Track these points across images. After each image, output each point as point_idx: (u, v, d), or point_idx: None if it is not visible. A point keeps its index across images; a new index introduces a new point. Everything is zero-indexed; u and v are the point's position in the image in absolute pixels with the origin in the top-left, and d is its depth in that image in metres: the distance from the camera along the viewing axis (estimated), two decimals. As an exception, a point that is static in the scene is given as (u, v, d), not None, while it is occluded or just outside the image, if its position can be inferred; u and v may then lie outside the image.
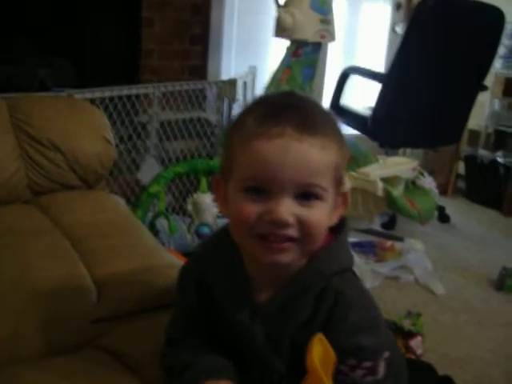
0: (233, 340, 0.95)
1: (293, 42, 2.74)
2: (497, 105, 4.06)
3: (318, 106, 0.89)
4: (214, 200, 0.91)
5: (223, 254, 0.94)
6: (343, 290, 0.88)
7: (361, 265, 2.56)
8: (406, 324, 2.06)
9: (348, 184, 2.58)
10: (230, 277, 0.93)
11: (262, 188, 0.81)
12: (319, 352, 0.81)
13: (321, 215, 0.84)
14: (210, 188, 2.53)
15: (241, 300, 0.92)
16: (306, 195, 0.82)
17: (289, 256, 0.84)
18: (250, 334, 0.91)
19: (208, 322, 0.96)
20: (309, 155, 0.81)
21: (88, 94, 2.32)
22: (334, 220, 0.90)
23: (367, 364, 0.89)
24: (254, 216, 0.81)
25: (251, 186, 0.82)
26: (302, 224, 0.82)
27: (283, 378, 0.93)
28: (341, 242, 0.92)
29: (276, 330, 0.90)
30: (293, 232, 0.82)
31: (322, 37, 2.75)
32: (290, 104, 0.85)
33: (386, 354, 0.91)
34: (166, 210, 2.54)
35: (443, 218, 3.44)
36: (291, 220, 0.81)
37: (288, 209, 0.81)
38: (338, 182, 0.87)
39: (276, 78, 2.75)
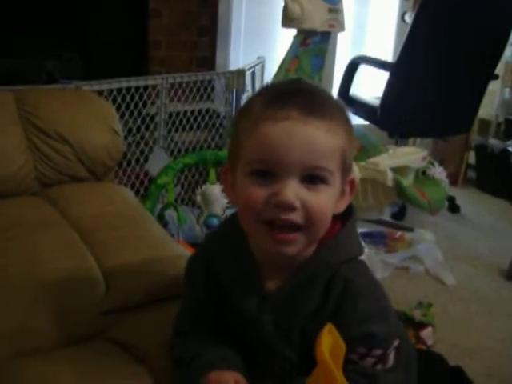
0: (242, 330, 0.94)
1: (300, 31, 2.72)
2: (507, 93, 4.01)
3: (326, 92, 0.89)
4: (223, 191, 0.91)
5: (231, 242, 0.93)
6: (352, 278, 0.88)
7: (371, 255, 2.54)
8: (417, 314, 2.05)
9: (358, 174, 2.56)
10: (237, 265, 0.92)
11: (269, 171, 0.82)
12: (329, 343, 0.80)
13: (326, 200, 0.84)
14: (219, 179, 2.53)
15: (249, 288, 0.92)
16: (312, 178, 0.82)
17: (295, 248, 0.84)
18: (259, 323, 0.91)
19: (216, 312, 0.96)
20: (314, 138, 0.81)
21: (96, 85, 2.31)
22: (341, 208, 0.90)
23: (377, 352, 0.89)
24: (262, 200, 0.82)
25: (258, 170, 0.82)
26: (306, 209, 0.82)
27: (294, 368, 0.93)
28: (349, 230, 0.91)
29: (285, 319, 0.90)
30: (297, 217, 0.82)
31: (331, 26, 2.74)
32: (297, 88, 0.85)
33: (396, 343, 0.91)
34: (175, 201, 2.54)
35: (453, 208, 3.42)
36: (297, 203, 0.81)
37: (294, 191, 0.81)
38: (346, 168, 0.86)
39: (284, 68, 2.74)
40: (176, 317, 1.02)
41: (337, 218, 0.90)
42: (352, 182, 0.90)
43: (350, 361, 0.86)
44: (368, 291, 0.89)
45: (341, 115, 0.86)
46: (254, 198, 0.82)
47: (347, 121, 0.87)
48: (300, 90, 0.85)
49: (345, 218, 0.92)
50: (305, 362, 0.88)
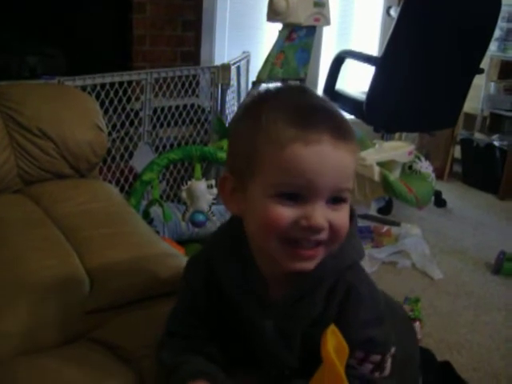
0: (242, 334, 0.94)
1: (286, 25, 2.70)
2: (492, 88, 4.03)
3: (334, 105, 0.87)
4: (223, 202, 0.87)
5: (233, 249, 0.92)
6: (355, 284, 0.88)
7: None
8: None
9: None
10: (240, 272, 0.91)
11: (298, 194, 0.80)
12: (333, 343, 0.80)
13: (346, 217, 0.84)
14: (205, 175, 2.51)
15: (252, 295, 0.91)
16: (336, 199, 0.82)
17: (315, 262, 0.84)
18: (260, 330, 0.91)
19: (215, 316, 0.95)
20: (344, 162, 0.81)
21: (79, 81, 2.29)
22: None
23: (375, 358, 0.89)
24: (289, 221, 0.80)
25: (286, 192, 0.80)
26: (332, 228, 0.82)
27: (293, 373, 0.93)
28: (351, 234, 0.89)
29: (288, 325, 0.90)
30: (324, 236, 0.82)
31: (316, 20, 2.72)
32: (316, 105, 0.83)
33: (393, 350, 0.91)
34: (161, 197, 2.52)
35: (440, 202, 3.43)
36: (326, 225, 0.81)
37: (323, 214, 0.80)
38: None
39: (269, 62, 2.72)
40: (169, 315, 1.00)
41: None
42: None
43: (348, 366, 0.86)
44: (370, 297, 0.89)
45: (354, 132, 0.85)
46: (280, 219, 0.80)
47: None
48: (321, 107, 0.83)
49: None
50: (305, 366, 0.87)
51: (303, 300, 0.88)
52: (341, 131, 0.81)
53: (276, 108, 0.82)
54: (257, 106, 0.85)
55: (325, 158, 0.79)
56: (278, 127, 0.80)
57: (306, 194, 0.79)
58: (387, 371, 0.91)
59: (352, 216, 0.90)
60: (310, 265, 0.83)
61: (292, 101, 0.84)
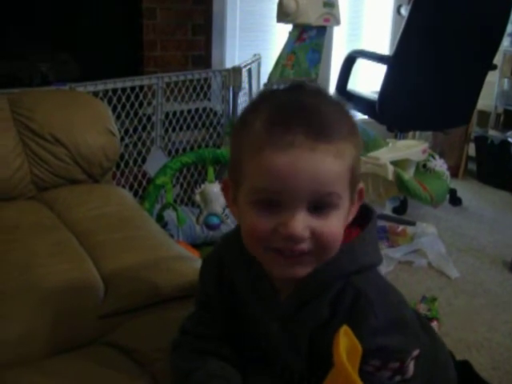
0: (254, 336, 0.92)
1: (296, 26, 2.70)
2: (506, 84, 3.99)
3: (330, 101, 0.82)
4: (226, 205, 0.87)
5: (242, 251, 0.89)
6: (364, 289, 0.83)
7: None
8: (422, 309, 2.03)
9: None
10: (248, 272, 0.89)
11: (275, 200, 0.77)
12: (345, 344, 0.77)
13: (336, 225, 0.79)
14: (218, 178, 2.51)
15: (259, 295, 0.89)
16: (321, 205, 0.77)
17: (305, 269, 0.80)
18: (269, 332, 0.89)
19: (229, 316, 0.94)
20: (322, 165, 0.75)
21: (90, 86, 2.29)
22: (351, 218, 0.85)
23: (394, 365, 0.84)
24: (269, 230, 0.77)
25: (262, 198, 0.77)
26: (316, 237, 0.77)
27: (304, 376, 0.91)
28: (366, 237, 0.86)
29: (294, 328, 0.87)
30: (307, 246, 0.78)
31: (326, 20, 2.71)
32: (299, 104, 0.78)
33: (415, 353, 0.87)
34: (175, 201, 2.52)
35: (455, 200, 3.40)
36: (306, 233, 0.77)
37: (302, 222, 0.76)
38: (355, 182, 0.82)
39: (280, 64, 2.72)
40: (187, 315, 1.00)
41: (355, 221, 0.85)
42: (360, 192, 0.85)
43: (365, 372, 0.82)
44: (381, 303, 0.83)
45: (348, 128, 0.79)
46: (260, 229, 0.78)
47: (355, 132, 0.81)
48: (302, 104, 0.78)
49: (364, 220, 0.87)
50: (315, 373, 0.84)
51: (308, 304, 0.85)
52: (319, 132, 0.75)
53: (259, 110, 0.79)
54: (247, 109, 0.83)
55: (298, 161, 0.74)
56: (255, 130, 0.77)
57: (282, 200, 0.76)
58: (409, 374, 0.86)
59: (370, 219, 0.87)
60: (300, 271, 0.80)
61: (276, 101, 0.80)
